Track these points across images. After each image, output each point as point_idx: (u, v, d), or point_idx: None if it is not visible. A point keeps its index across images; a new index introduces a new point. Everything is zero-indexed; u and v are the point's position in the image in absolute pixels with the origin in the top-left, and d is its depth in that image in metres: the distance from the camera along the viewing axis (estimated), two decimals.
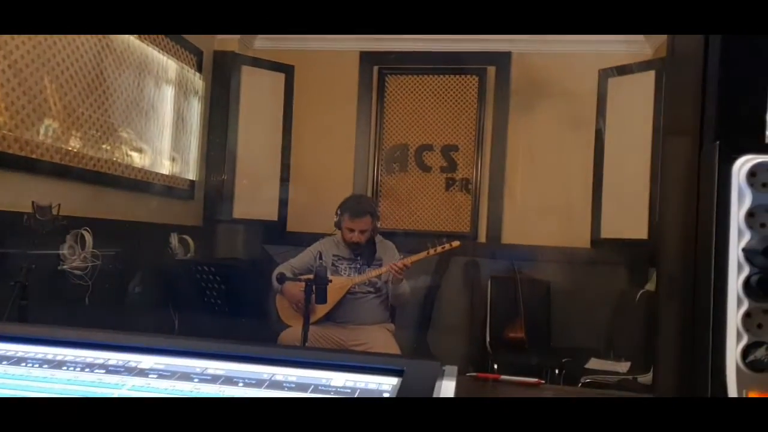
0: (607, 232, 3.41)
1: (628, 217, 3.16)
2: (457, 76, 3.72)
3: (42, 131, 2.20)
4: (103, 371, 0.68)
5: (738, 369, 0.69)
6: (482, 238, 3.67)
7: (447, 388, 0.68)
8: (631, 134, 3.17)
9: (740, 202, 0.70)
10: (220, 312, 2.60)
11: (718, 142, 0.75)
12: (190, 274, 2.63)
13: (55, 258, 2.14)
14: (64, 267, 2.14)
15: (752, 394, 0.68)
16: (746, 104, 0.73)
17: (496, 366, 3.16)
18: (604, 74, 3.39)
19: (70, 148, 2.39)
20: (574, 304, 3.36)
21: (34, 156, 2.21)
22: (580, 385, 2.86)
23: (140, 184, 2.98)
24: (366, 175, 3.76)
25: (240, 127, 3.68)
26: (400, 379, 0.67)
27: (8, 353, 0.71)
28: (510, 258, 3.48)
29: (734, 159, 0.71)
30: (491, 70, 3.68)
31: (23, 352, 0.71)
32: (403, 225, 3.69)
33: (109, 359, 0.70)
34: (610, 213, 3.39)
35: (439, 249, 2.72)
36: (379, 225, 2.80)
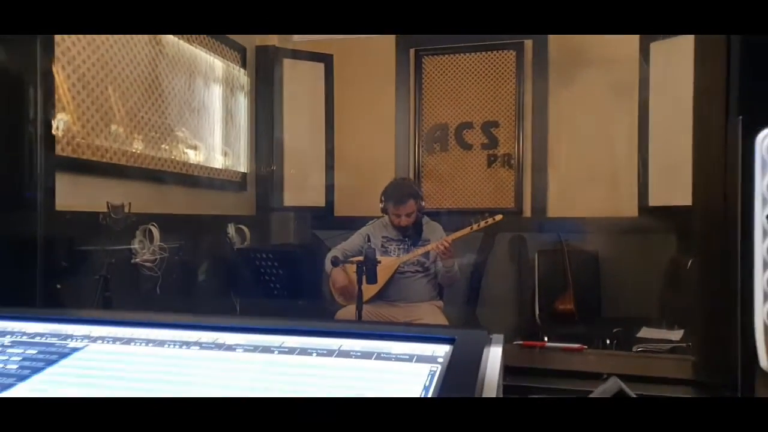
0: (655, 199, 3.36)
1: (677, 184, 3.11)
2: (494, 52, 3.72)
3: (110, 137, 2.39)
4: (198, 347, 0.79)
5: (765, 328, 0.74)
6: (527, 212, 3.69)
7: (494, 355, 0.76)
8: (676, 98, 3.11)
9: (763, 172, 0.74)
10: (278, 295, 2.74)
11: (741, 116, 0.80)
12: (249, 261, 2.78)
13: (128, 252, 2.33)
14: (137, 260, 2.33)
15: None
16: None
17: (546, 338, 3.20)
18: (646, 39, 3.33)
19: (134, 150, 2.58)
20: (623, 274, 3.35)
21: (104, 160, 2.39)
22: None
23: (197, 179, 3.15)
24: (407, 157, 3.83)
25: (285, 118, 3.81)
26: (452, 347, 0.76)
27: (118, 335, 0.83)
28: (556, 231, 3.49)
29: (757, 131, 0.76)
30: (528, 44, 3.67)
31: (130, 334, 0.84)
32: (447, 204, 3.75)
33: (201, 338, 0.82)
34: (657, 180, 3.34)
35: (482, 224, 2.77)
36: (423, 204, 2.87)
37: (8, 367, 0.75)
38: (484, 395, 0.67)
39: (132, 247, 2.33)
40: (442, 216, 3.22)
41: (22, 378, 0.71)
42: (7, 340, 0.83)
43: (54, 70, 1.39)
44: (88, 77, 2.29)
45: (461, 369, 0.70)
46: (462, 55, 3.77)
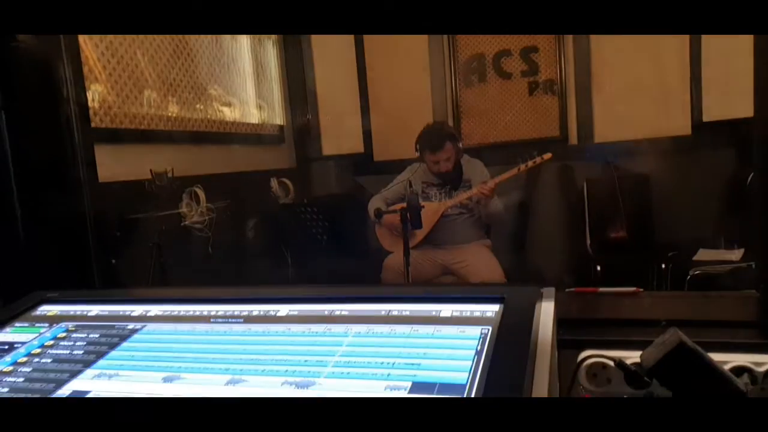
0: (709, 114, 3.21)
1: (733, 95, 2.93)
2: None
3: (144, 102, 2.39)
4: (249, 322, 0.81)
5: None
6: (573, 139, 3.56)
7: (546, 311, 0.74)
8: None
9: None
10: (326, 246, 2.78)
11: None
12: (295, 215, 2.81)
13: (177, 216, 2.39)
14: (186, 223, 2.39)
15: None
16: None
17: (599, 268, 3.16)
18: None
19: (170, 114, 2.59)
20: (677, 196, 3.24)
21: (142, 127, 2.41)
22: (688, 278, 2.82)
23: (235, 136, 3.16)
24: (444, 93, 3.71)
25: (316, 64, 3.74)
26: (502, 306, 0.74)
27: (173, 313, 0.86)
28: (605, 156, 3.36)
29: None
30: None
31: (184, 311, 0.86)
32: (489, 139, 3.64)
33: (252, 311, 0.83)
34: (711, 94, 3.18)
35: (530, 164, 2.67)
36: (461, 146, 2.79)
37: (75, 353, 0.78)
38: (538, 356, 0.65)
39: (180, 210, 2.38)
40: (485, 151, 3.14)
41: (88, 364, 0.74)
42: (71, 325, 0.86)
43: (81, 42, 1.38)
44: (116, 44, 2.28)
45: (513, 330, 0.69)
46: None
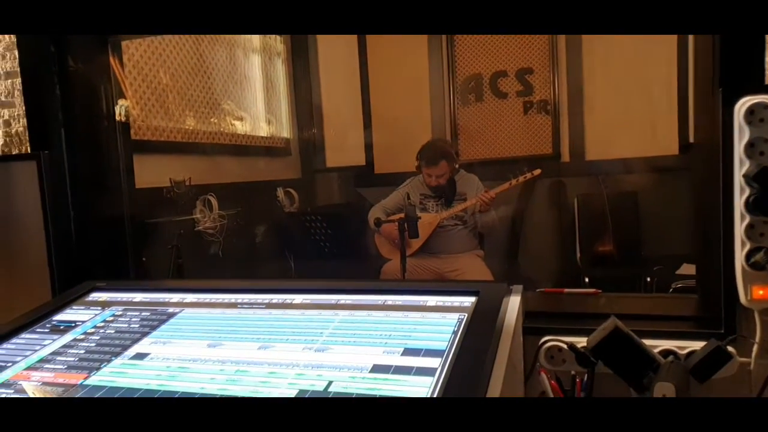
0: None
1: None
2: None
3: (165, 117, 2.58)
4: (270, 309, 0.98)
5: (743, 271, 0.87)
6: (565, 157, 3.67)
7: (513, 303, 0.91)
8: None
9: (741, 136, 0.86)
10: (328, 252, 2.93)
11: (721, 88, 0.90)
12: (300, 223, 2.96)
13: (191, 222, 2.56)
14: (199, 228, 2.55)
15: (756, 288, 0.87)
16: (748, 52, 0.87)
17: (587, 280, 3.30)
18: None
19: (187, 127, 2.77)
20: (664, 213, 3.35)
21: (162, 138, 2.60)
22: (670, 290, 2.96)
23: (246, 148, 3.33)
24: (443, 110, 3.85)
25: (322, 80, 3.91)
26: (477, 298, 0.92)
27: (205, 300, 1.03)
28: (595, 174, 3.48)
29: (736, 101, 0.86)
30: None
31: (215, 299, 1.03)
32: (484, 155, 3.78)
33: (272, 299, 1.00)
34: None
35: (521, 179, 2.83)
36: (457, 167, 2.91)
37: (132, 326, 0.95)
38: (503, 337, 0.82)
39: (195, 216, 2.56)
40: (480, 167, 3.26)
41: (144, 334, 0.92)
42: (120, 309, 1.04)
43: (113, 61, 1.55)
44: (141, 63, 2.47)
45: (484, 317, 0.86)
46: None
